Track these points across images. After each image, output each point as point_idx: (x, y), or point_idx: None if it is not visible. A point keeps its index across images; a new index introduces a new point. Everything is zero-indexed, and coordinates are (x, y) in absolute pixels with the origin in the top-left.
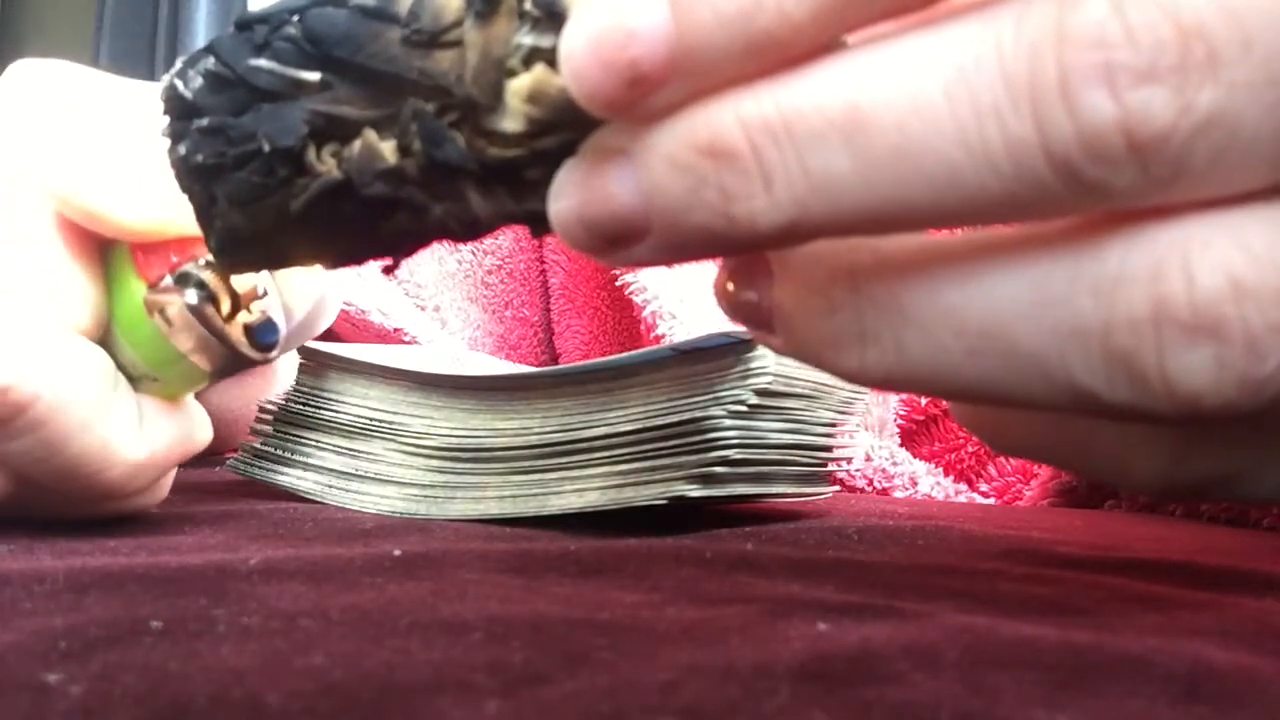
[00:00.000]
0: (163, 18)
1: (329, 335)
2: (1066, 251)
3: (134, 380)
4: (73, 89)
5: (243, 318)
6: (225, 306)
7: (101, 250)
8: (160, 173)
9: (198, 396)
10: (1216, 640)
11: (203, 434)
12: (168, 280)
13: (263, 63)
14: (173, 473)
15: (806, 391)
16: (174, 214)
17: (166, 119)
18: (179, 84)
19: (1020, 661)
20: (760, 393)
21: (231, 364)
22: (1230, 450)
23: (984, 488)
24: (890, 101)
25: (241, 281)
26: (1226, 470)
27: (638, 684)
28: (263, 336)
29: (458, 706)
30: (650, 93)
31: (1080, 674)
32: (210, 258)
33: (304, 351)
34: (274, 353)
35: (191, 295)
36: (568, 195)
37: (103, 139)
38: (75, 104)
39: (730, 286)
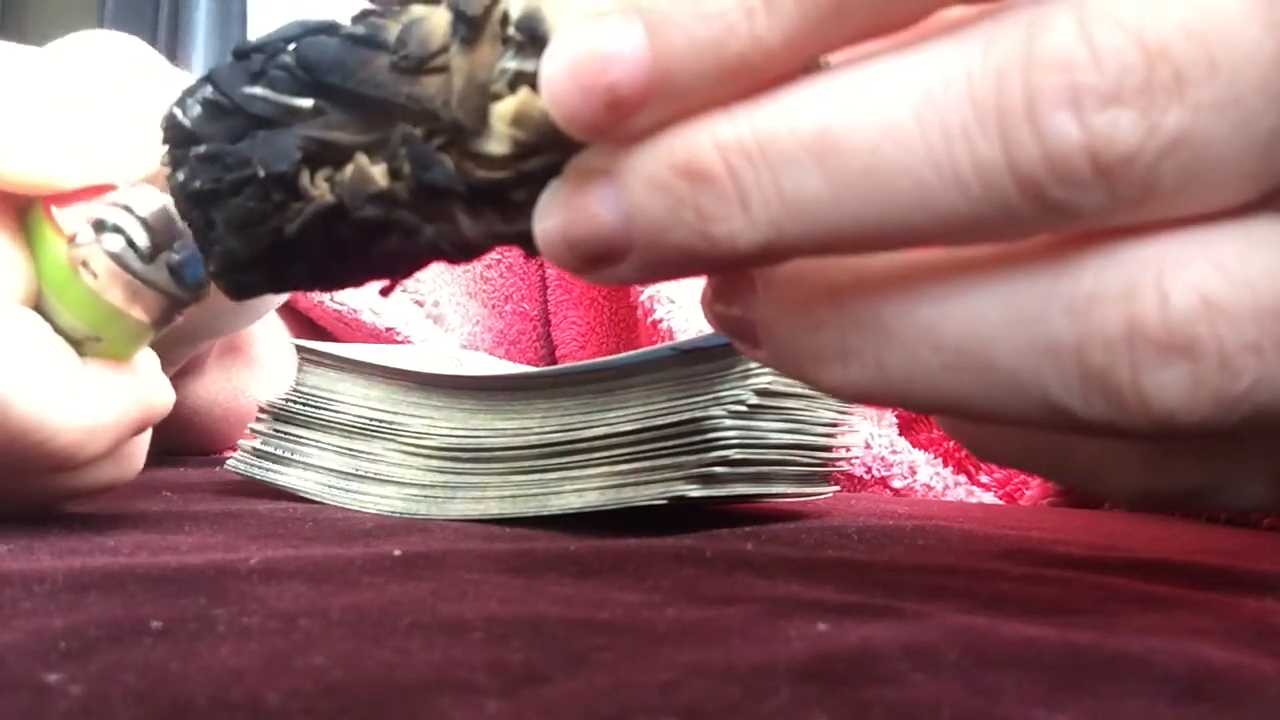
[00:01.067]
0: (163, 18)
1: (324, 335)
2: (1042, 269)
3: (77, 345)
4: None
5: (165, 258)
6: (145, 247)
7: (18, 216)
8: (51, 124)
9: (181, 392)
10: (1216, 640)
11: (162, 397)
12: (86, 232)
13: (258, 90)
14: (143, 445)
15: (806, 391)
16: (69, 163)
17: (166, 147)
18: (178, 112)
19: (1020, 661)
20: (760, 393)
21: (168, 309)
22: (1206, 463)
23: (984, 479)
24: (861, 124)
25: (155, 212)
26: (1203, 482)
27: (638, 684)
28: (190, 274)
29: (458, 706)
30: (628, 116)
31: (1080, 674)
32: (125, 200)
33: (303, 351)
34: (205, 289)
35: (109, 241)
36: (552, 215)
37: None
38: None
39: (716, 301)
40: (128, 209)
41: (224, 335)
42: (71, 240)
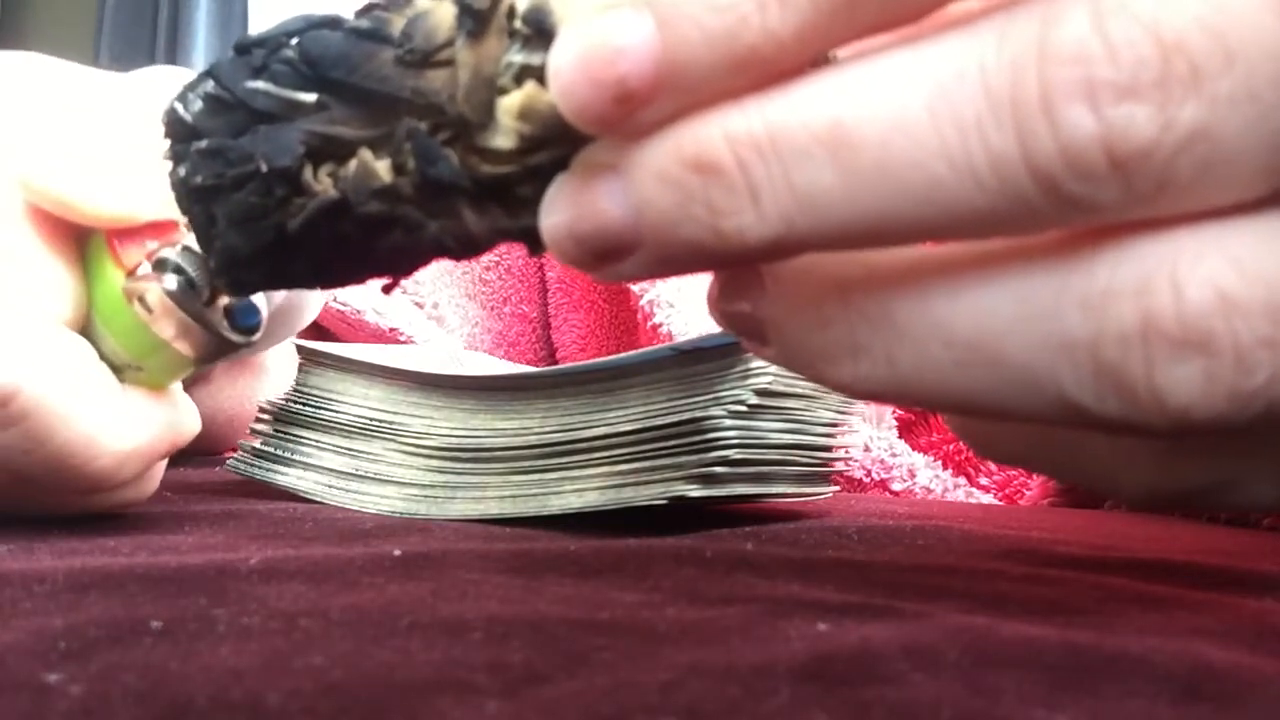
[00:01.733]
0: (163, 18)
1: (326, 335)
2: (1056, 264)
3: (118, 370)
4: (38, 79)
5: (222, 300)
6: (204, 290)
7: (78, 240)
8: (129, 159)
9: (191, 397)
10: (1216, 640)
11: (190, 424)
12: (145, 267)
13: (260, 85)
14: (162, 466)
15: (806, 391)
16: (144, 200)
17: (168, 142)
18: (179, 107)
19: (1020, 661)
20: (760, 393)
21: (215, 349)
22: (1218, 461)
23: (984, 481)
24: (874, 117)
25: None
26: (1214, 480)
27: (638, 684)
28: (244, 319)
29: (458, 706)
30: (638, 109)
31: (1080, 674)
32: (188, 241)
33: (304, 351)
34: (256, 335)
35: (170, 280)
36: (559, 210)
37: (70, 128)
38: (41, 94)
39: (723, 298)
40: (189, 250)
41: (246, 357)
42: (131, 273)
